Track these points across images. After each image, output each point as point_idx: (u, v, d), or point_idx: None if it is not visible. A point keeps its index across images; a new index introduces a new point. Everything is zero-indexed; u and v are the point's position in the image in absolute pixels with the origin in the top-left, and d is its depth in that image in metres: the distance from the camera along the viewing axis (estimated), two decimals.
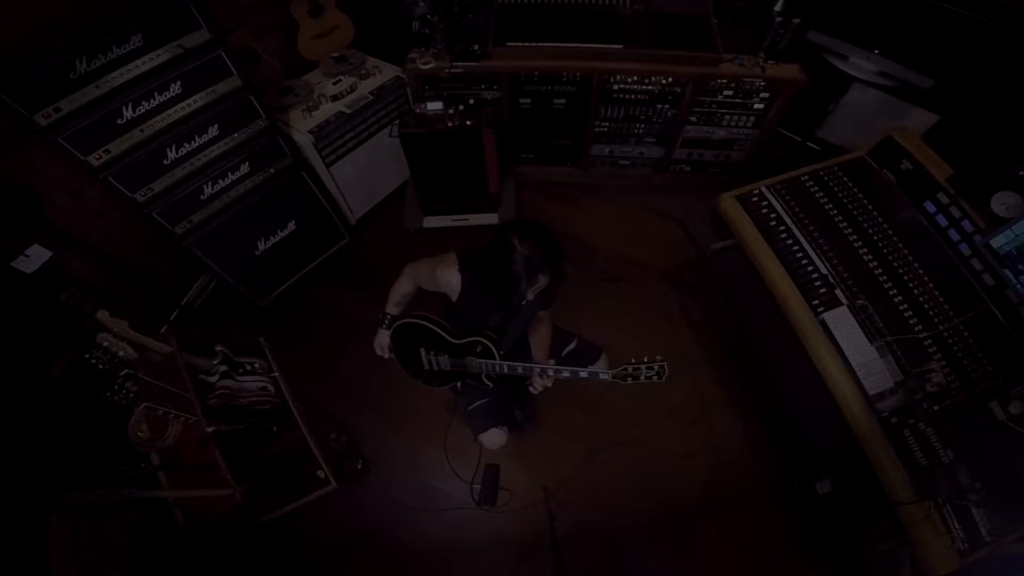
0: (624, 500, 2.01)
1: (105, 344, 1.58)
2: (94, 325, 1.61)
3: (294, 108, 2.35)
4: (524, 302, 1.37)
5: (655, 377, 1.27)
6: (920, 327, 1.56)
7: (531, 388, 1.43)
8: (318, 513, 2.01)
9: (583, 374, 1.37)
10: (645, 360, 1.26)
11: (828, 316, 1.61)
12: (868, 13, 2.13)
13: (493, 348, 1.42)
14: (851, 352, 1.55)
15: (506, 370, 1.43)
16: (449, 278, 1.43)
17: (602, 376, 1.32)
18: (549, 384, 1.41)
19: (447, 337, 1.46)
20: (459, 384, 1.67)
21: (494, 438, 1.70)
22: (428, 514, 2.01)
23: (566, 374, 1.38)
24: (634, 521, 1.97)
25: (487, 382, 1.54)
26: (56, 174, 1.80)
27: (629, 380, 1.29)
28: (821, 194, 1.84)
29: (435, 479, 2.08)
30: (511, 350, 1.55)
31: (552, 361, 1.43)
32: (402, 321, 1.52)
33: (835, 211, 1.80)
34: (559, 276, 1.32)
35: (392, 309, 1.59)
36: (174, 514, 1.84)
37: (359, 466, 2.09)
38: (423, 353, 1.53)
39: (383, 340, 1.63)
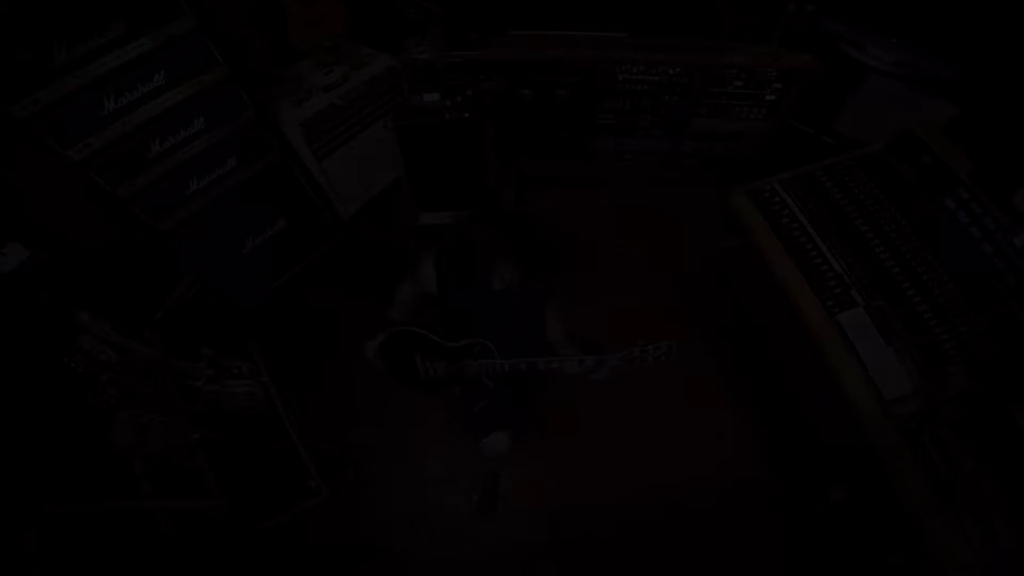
0: (630, 509, 2.01)
1: (86, 347, 1.58)
2: (74, 327, 1.61)
3: (284, 99, 2.35)
4: (506, 297, 1.38)
5: (663, 356, 1.28)
6: (940, 329, 1.55)
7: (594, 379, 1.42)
8: (309, 524, 2.01)
9: (588, 361, 1.39)
10: (652, 341, 1.27)
11: (843, 317, 1.61)
12: None
13: (492, 347, 1.43)
14: (867, 355, 1.55)
15: (507, 369, 1.44)
16: (427, 271, 1.45)
17: (608, 362, 1.33)
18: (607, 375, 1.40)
19: (442, 341, 1.46)
20: (458, 389, 1.68)
21: (496, 443, 1.70)
22: (424, 525, 2.01)
23: (571, 364, 1.39)
24: (641, 531, 1.97)
25: (487, 382, 1.54)
26: (34, 169, 1.79)
27: (637, 363, 1.30)
28: (836, 190, 1.84)
29: (432, 488, 2.09)
30: (511, 353, 1.55)
31: (554, 356, 1.44)
32: (391, 331, 1.53)
33: (851, 207, 1.80)
34: (539, 268, 1.33)
35: (394, 313, 1.59)
36: (158, 525, 1.84)
37: (352, 475, 2.09)
38: (419, 360, 1.54)
39: (375, 346, 1.63)
